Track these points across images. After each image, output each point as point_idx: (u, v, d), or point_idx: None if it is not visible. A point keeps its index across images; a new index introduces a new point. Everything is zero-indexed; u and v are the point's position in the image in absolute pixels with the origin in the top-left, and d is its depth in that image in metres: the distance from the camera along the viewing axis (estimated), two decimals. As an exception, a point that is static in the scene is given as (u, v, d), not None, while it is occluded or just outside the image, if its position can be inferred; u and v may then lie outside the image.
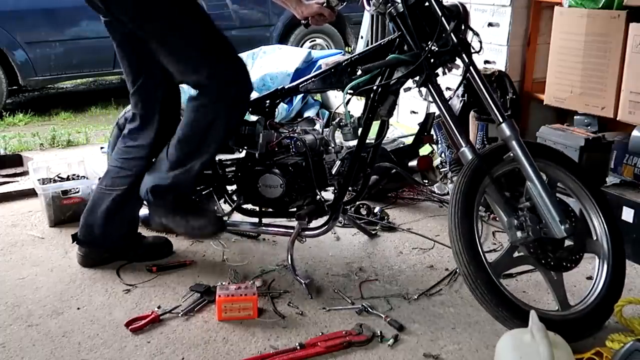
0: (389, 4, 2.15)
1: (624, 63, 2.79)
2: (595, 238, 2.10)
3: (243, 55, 4.96)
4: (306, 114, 4.46)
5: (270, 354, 1.90)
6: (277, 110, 2.47)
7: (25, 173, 3.46)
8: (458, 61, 2.15)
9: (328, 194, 2.50)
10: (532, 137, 3.05)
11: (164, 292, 2.28)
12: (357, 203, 2.79)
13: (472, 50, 2.13)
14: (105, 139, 4.03)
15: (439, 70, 2.17)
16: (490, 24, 3.41)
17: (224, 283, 2.18)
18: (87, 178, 3.03)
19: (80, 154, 3.67)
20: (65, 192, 2.86)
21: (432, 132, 2.72)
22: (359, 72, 2.19)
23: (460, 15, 2.10)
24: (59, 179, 3.03)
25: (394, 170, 2.72)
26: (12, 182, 3.38)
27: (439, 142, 3.06)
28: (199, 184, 2.46)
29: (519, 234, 1.95)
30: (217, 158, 2.40)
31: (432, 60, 2.10)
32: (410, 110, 4.02)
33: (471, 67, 2.10)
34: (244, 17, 6.10)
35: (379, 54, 2.24)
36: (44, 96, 6.25)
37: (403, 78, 2.17)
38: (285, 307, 2.17)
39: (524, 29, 3.38)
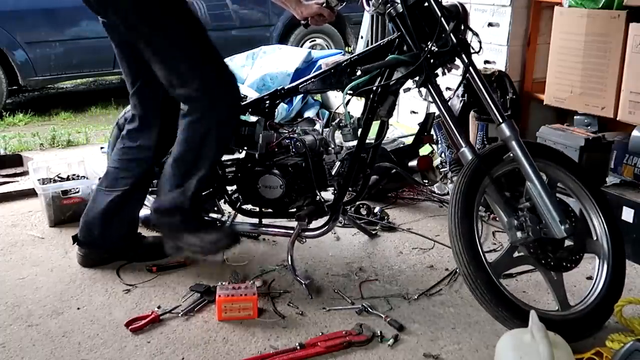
0: (389, 5, 2.15)
1: (624, 63, 2.79)
2: (595, 238, 2.10)
3: (243, 55, 4.99)
4: (306, 115, 4.45)
5: (270, 354, 1.90)
6: (277, 110, 2.47)
7: (25, 173, 3.46)
8: (458, 61, 2.15)
9: (328, 195, 2.49)
10: (532, 137, 3.05)
11: (164, 292, 2.28)
12: (357, 203, 2.78)
13: (472, 51, 2.13)
14: (105, 139, 4.03)
15: (439, 71, 2.17)
16: (490, 24, 3.41)
17: (224, 283, 2.18)
18: (87, 178, 3.03)
19: (80, 154, 3.67)
20: (65, 192, 2.86)
21: (432, 132, 2.71)
22: (359, 73, 2.19)
23: (459, 16, 2.11)
24: (59, 179, 3.03)
25: (394, 170, 2.72)
26: (12, 182, 3.38)
27: (439, 142, 3.06)
28: (202, 201, 2.43)
29: (519, 234, 1.95)
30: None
31: (431, 61, 2.10)
32: (410, 110, 4.01)
33: (471, 67, 2.10)
34: (244, 17, 6.09)
35: (379, 55, 2.24)
36: (44, 96, 6.24)
37: (403, 78, 2.17)
38: (285, 307, 2.17)
39: (524, 29, 3.38)
